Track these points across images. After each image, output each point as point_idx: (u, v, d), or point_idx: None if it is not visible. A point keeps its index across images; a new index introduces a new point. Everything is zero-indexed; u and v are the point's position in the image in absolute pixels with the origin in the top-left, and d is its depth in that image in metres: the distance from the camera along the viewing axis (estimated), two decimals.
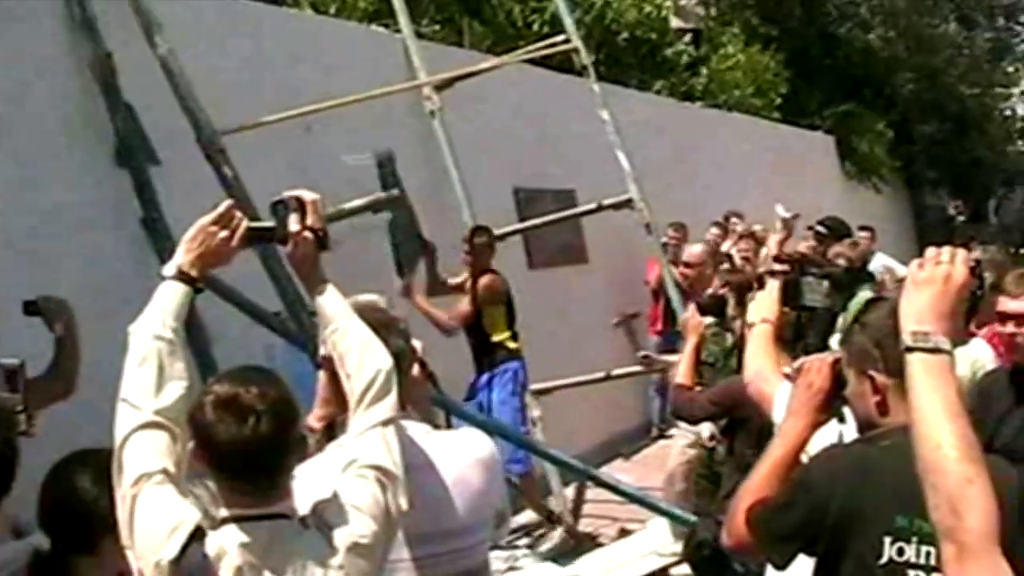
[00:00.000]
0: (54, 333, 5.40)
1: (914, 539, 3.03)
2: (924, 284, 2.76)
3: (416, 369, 3.77)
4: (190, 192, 7.49)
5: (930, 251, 2.84)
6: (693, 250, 9.28)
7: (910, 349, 2.67)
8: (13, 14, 7.16)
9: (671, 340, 12.33)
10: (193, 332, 6.80)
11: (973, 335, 7.60)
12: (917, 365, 2.65)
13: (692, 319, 7.29)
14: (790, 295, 4.67)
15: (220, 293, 7.09)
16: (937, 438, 2.54)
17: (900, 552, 3.07)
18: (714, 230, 14.18)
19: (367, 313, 3.55)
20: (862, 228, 15.17)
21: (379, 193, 8.07)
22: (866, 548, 3.11)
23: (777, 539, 3.29)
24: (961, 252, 2.81)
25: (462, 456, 3.71)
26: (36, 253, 6.89)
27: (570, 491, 10.26)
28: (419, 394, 3.81)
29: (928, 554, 3.01)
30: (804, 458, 3.54)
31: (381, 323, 3.56)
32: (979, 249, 11.41)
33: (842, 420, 3.57)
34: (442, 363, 4.28)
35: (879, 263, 14.23)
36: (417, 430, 3.66)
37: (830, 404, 3.52)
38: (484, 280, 9.75)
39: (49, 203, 7.08)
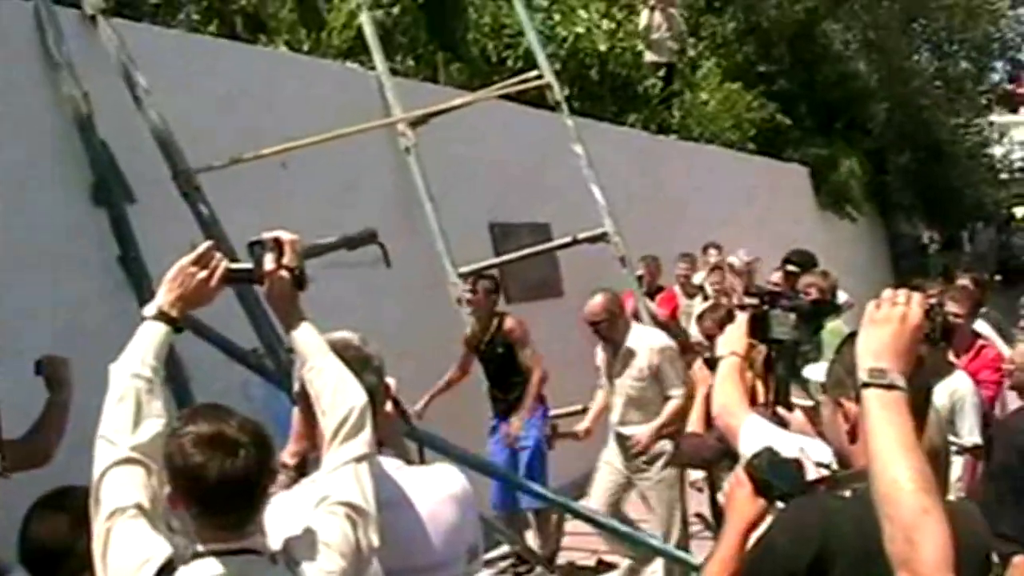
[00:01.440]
0: (53, 397, 5.40)
1: None
2: (881, 323, 2.84)
3: (389, 406, 3.80)
4: (166, 230, 7.52)
5: (886, 292, 2.92)
6: (593, 302, 9.11)
7: (867, 385, 2.75)
8: None
9: None
10: (171, 369, 6.82)
11: (953, 366, 7.67)
12: (873, 401, 2.72)
13: (700, 372, 7.33)
14: (759, 328, 4.72)
15: (196, 330, 7.11)
16: (893, 471, 2.60)
17: None
18: (682, 264, 14.24)
19: (341, 350, 3.58)
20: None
21: (355, 230, 8.09)
22: None
23: None
24: (916, 295, 2.89)
25: (435, 491, 3.72)
26: (11, 290, 6.90)
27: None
28: (392, 430, 3.84)
29: None
30: None
31: (355, 360, 3.59)
32: (966, 278, 11.55)
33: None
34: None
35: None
36: (390, 465, 3.67)
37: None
38: (513, 322, 10.01)
39: (25, 240, 7.09)
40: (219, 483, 3.07)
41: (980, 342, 8.70)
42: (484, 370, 10.26)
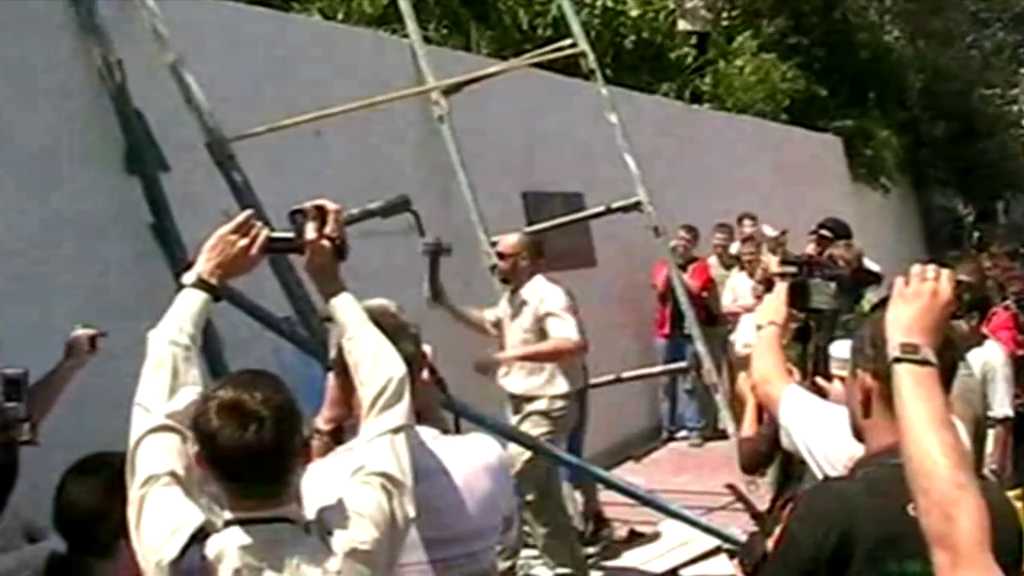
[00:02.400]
0: (61, 363, 5.42)
1: None
2: (911, 298, 2.84)
3: (425, 374, 3.79)
4: (200, 198, 7.53)
5: (915, 268, 2.91)
6: (507, 240, 8.92)
7: (898, 360, 2.73)
8: (22, 21, 7.19)
9: (678, 344, 12.39)
10: (204, 338, 6.83)
11: (985, 337, 7.64)
12: (906, 376, 2.71)
13: (745, 384, 7.26)
14: (798, 297, 4.69)
15: (229, 298, 7.12)
16: (927, 446, 2.58)
17: None
18: (719, 234, 14.24)
19: (378, 318, 3.58)
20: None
21: (388, 199, 8.08)
22: None
23: None
24: (946, 271, 2.89)
25: (471, 461, 3.72)
26: (45, 260, 6.91)
27: (580, 494, 10.27)
28: (428, 399, 3.83)
29: None
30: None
31: (392, 328, 3.60)
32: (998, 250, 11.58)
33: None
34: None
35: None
36: (427, 435, 3.67)
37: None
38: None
39: (59, 210, 7.11)
40: (232, 451, 3.08)
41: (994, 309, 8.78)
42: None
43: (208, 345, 6.86)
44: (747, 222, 14.66)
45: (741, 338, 11.70)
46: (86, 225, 7.26)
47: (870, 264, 14.06)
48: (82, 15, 7.50)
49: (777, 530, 3.37)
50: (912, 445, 2.61)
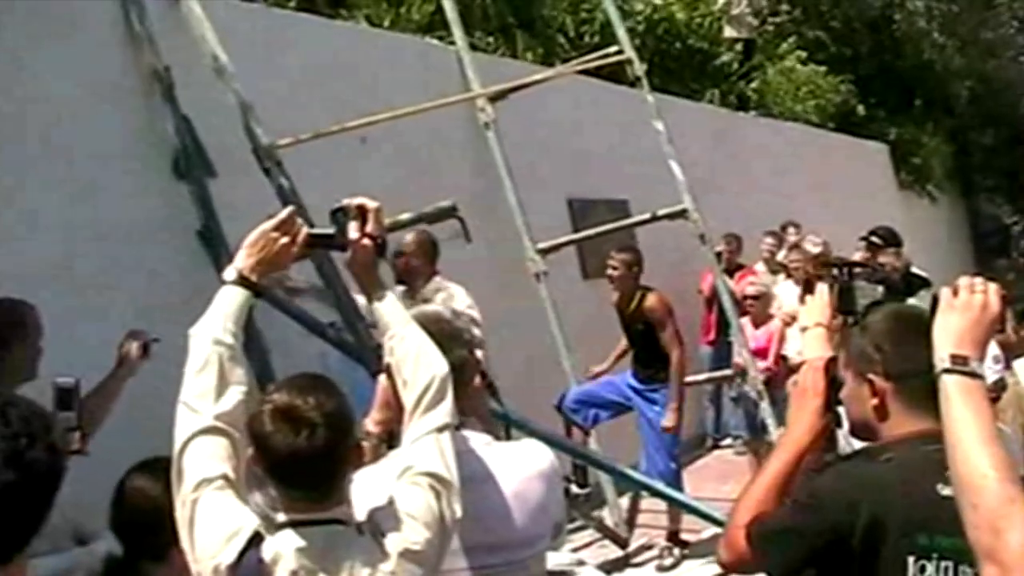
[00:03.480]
0: (112, 372, 5.44)
1: (935, 555, 3.02)
2: (961, 310, 2.81)
3: (477, 380, 3.78)
4: (247, 204, 7.55)
5: (963, 279, 2.89)
6: (408, 236, 8.42)
7: (948, 371, 2.71)
8: (72, 28, 7.24)
9: (723, 351, 12.34)
10: (251, 340, 6.85)
11: None
12: (954, 388, 2.68)
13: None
14: (843, 301, 4.65)
15: (275, 303, 7.14)
16: (976, 460, 2.57)
17: (922, 570, 3.05)
18: (768, 240, 14.18)
19: (432, 324, 3.58)
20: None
21: (434, 206, 8.09)
22: (891, 569, 3.08)
23: (788, 563, 3.24)
24: (993, 284, 2.87)
25: (522, 468, 3.71)
26: (94, 265, 6.95)
27: (625, 501, 10.25)
28: (479, 405, 3.82)
29: (947, 569, 3.01)
30: None
31: (445, 334, 3.59)
32: None
33: (839, 424, 3.56)
34: None
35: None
36: (478, 441, 3.66)
37: (827, 408, 3.49)
38: (655, 301, 9.89)
39: (107, 215, 7.14)
40: (285, 456, 3.08)
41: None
42: (628, 341, 10.27)
43: (254, 350, 6.89)
44: (791, 230, 14.60)
45: (792, 346, 11.65)
46: (135, 230, 7.30)
47: (919, 271, 14.00)
48: (131, 22, 7.55)
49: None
50: (960, 459, 2.60)
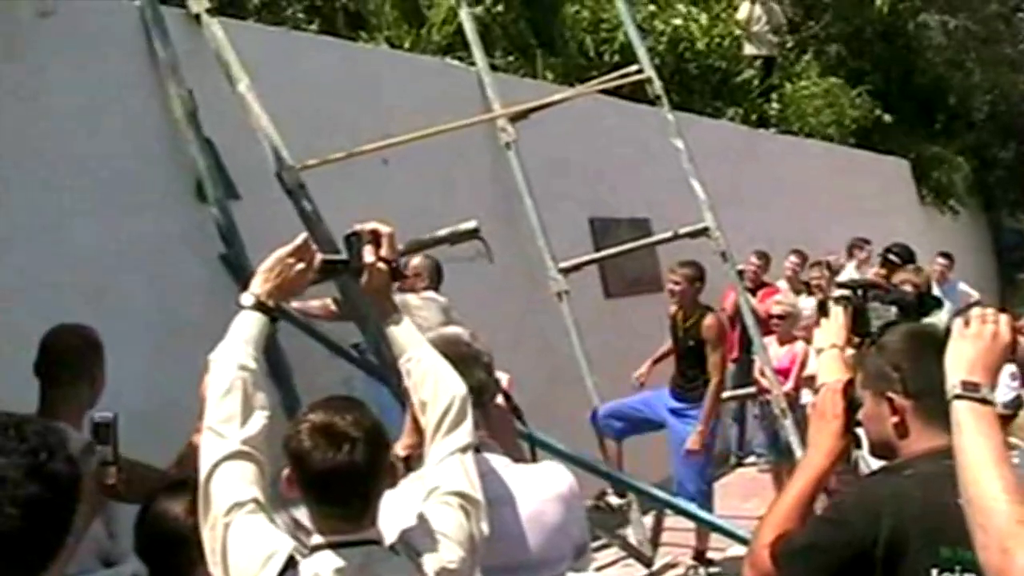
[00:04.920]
0: None
1: (958, 568, 3.04)
2: (973, 339, 2.92)
3: (500, 400, 3.80)
4: (270, 227, 7.58)
5: (975, 310, 3.01)
6: (412, 262, 8.37)
7: (960, 397, 2.81)
8: (96, 51, 7.30)
9: (747, 368, 12.31)
10: (275, 364, 6.87)
11: None
12: (967, 413, 2.78)
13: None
14: (857, 322, 4.65)
15: (299, 325, 7.16)
16: (986, 484, 2.65)
17: None
18: (792, 258, 14.13)
19: (450, 346, 3.61)
20: (941, 255, 15.11)
21: (456, 225, 8.11)
22: None
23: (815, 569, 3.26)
24: (1005, 315, 2.99)
25: (541, 490, 3.72)
26: (116, 287, 6.99)
27: (649, 519, 10.24)
28: (502, 426, 3.84)
29: None
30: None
31: (463, 357, 3.62)
32: None
33: (859, 445, 3.57)
34: None
35: (958, 290, 14.18)
36: (498, 463, 3.68)
37: (847, 429, 3.51)
38: (712, 321, 9.90)
39: (130, 238, 7.19)
40: (324, 473, 3.09)
41: None
42: (675, 354, 10.26)
43: (278, 372, 6.92)
44: (863, 246, 14.68)
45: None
46: (157, 254, 7.34)
47: (967, 289, 13.93)
48: (154, 46, 7.60)
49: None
50: (971, 482, 2.68)
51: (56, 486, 2.33)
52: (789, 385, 10.99)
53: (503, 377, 3.83)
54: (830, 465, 3.49)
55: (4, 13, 6.76)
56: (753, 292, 12.90)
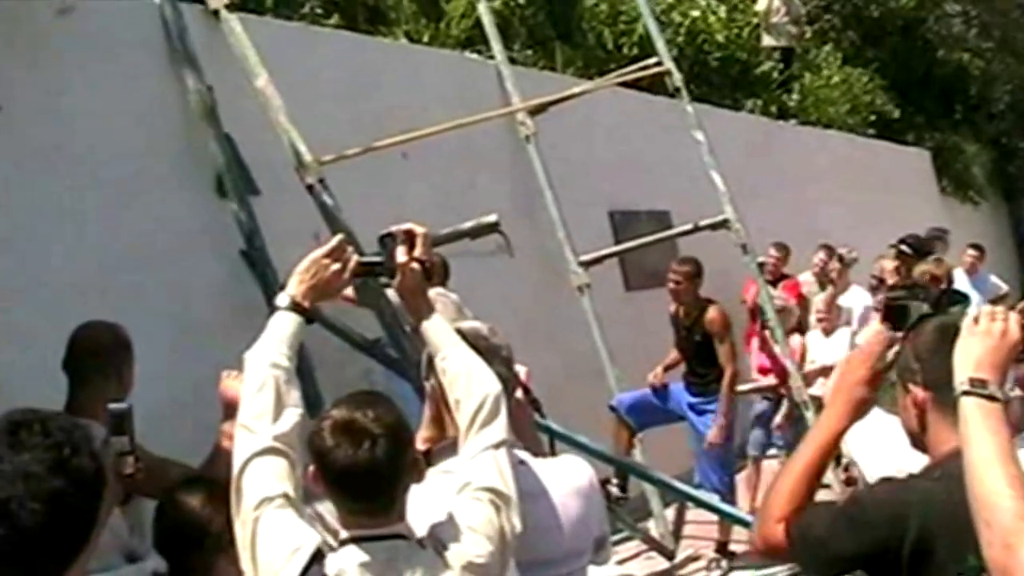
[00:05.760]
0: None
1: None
2: (982, 336, 2.94)
3: (519, 394, 3.80)
4: (290, 221, 7.60)
5: (985, 308, 3.05)
6: None
7: (967, 393, 2.83)
8: (115, 48, 7.31)
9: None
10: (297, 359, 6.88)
11: None
12: (974, 409, 2.80)
13: None
14: (900, 319, 4.62)
15: (321, 321, 7.16)
16: (991, 479, 2.66)
17: None
18: (821, 254, 13.93)
19: (471, 340, 3.61)
20: (971, 246, 15.02)
21: (477, 219, 8.12)
22: None
23: (829, 571, 3.26)
24: (1014, 313, 3.01)
25: (561, 484, 3.73)
26: (136, 282, 7.00)
27: (670, 512, 10.23)
28: (522, 420, 3.84)
29: None
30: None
31: (484, 350, 3.63)
32: None
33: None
34: None
35: (989, 282, 14.10)
36: (521, 456, 3.68)
37: (870, 399, 3.47)
38: (716, 313, 9.87)
39: (150, 233, 7.20)
40: (347, 469, 3.10)
41: None
42: (682, 353, 10.24)
43: (299, 367, 6.92)
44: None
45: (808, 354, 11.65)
46: (178, 249, 7.35)
47: (998, 282, 13.81)
48: (173, 41, 7.61)
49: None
50: (976, 478, 2.69)
51: (80, 481, 2.34)
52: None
53: (521, 370, 3.85)
54: (843, 429, 3.46)
55: (23, 11, 6.77)
56: (774, 284, 12.85)
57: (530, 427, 4.02)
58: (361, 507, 3.18)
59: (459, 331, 3.64)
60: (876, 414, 3.89)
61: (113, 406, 4.23)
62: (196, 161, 7.64)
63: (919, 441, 3.36)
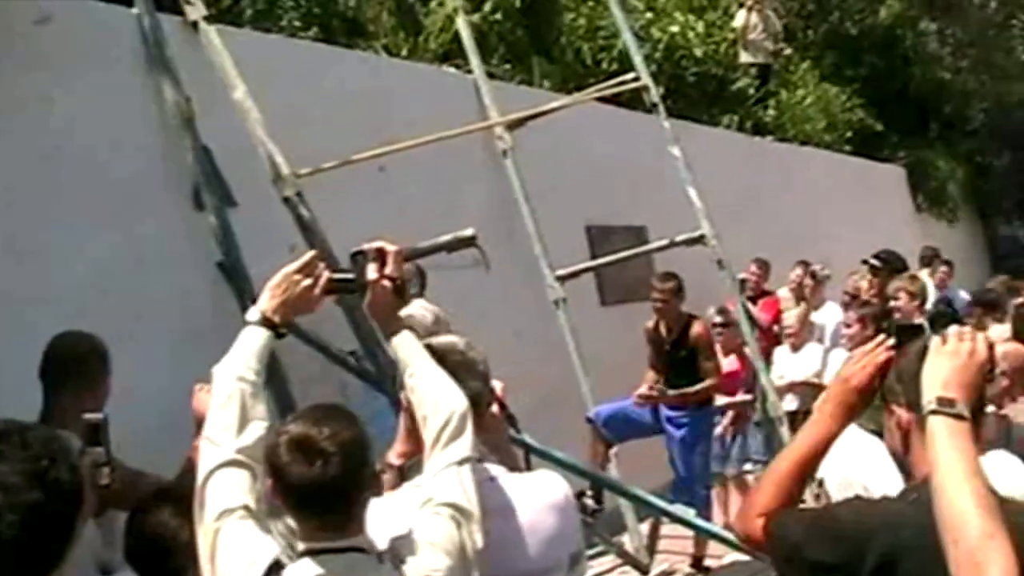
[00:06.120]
0: None
1: None
2: (949, 356, 2.99)
3: (495, 409, 3.81)
4: (267, 233, 7.59)
5: (953, 328, 3.08)
6: None
7: (935, 412, 2.88)
8: (93, 58, 7.31)
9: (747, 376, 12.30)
10: (270, 371, 6.86)
11: None
12: (941, 427, 2.85)
13: None
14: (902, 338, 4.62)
15: (296, 333, 7.15)
16: (959, 498, 2.69)
17: None
18: (798, 270, 13.93)
19: (446, 355, 3.61)
20: (942, 262, 15.09)
21: (453, 233, 8.11)
22: None
23: (798, 570, 3.25)
24: (982, 334, 3.08)
25: (536, 499, 3.72)
26: (114, 294, 6.99)
27: (645, 527, 10.23)
28: (497, 435, 3.85)
29: None
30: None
31: (459, 365, 3.63)
32: None
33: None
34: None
35: (960, 298, 14.12)
36: (492, 472, 3.68)
37: (864, 405, 3.47)
38: (700, 328, 9.94)
39: (126, 245, 7.19)
40: (300, 486, 3.12)
41: None
42: (657, 370, 10.21)
43: (274, 380, 6.91)
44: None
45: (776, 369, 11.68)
46: (153, 260, 7.34)
47: (967, 298, 13.86)
48: (151, 52, 7.60)
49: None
50: (943, 496, 2.72)
51: (59, 493, 2.34)
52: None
53: (497, 385, 3.84)
54: (835, 433, 3.43)
55: (1, 20, 6.76)
56: (754, 300, 12.88)
57: (505, 441, 4.02)
58: (317, 522, 3.19)
59: (431, 347, 3.65)
60: (849, 429, 3.90)
61: (88, 416, 4.22)
62: (173, 172, 7.63)
63: (903, 462, 3.37)
